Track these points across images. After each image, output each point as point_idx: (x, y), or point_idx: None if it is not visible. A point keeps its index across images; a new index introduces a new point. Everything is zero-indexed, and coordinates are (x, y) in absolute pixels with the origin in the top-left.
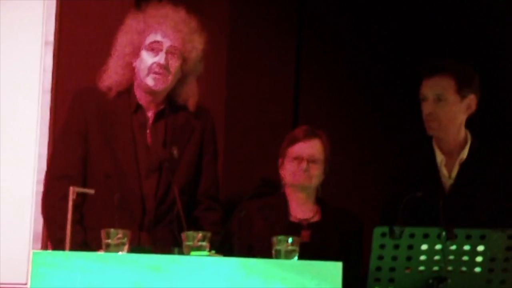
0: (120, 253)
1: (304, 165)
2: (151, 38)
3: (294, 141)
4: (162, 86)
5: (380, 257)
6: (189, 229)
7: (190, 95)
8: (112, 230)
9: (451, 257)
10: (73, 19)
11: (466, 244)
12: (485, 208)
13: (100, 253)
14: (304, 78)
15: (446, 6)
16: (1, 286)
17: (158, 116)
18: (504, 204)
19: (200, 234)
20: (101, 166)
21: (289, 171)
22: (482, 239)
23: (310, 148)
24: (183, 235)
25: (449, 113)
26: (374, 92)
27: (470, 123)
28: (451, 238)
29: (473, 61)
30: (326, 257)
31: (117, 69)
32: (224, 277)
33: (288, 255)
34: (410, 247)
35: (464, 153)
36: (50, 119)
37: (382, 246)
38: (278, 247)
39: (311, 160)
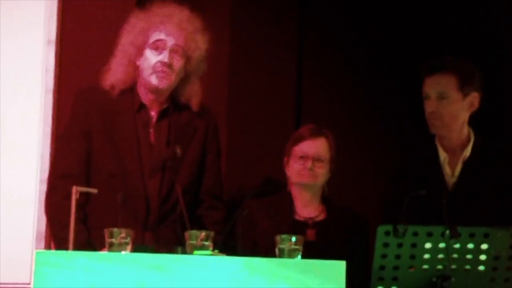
0: (123, 252)
1: (309, 164)
2: (155, 36)
3: (300, 139)
4: (165, 85)
5: (384, 256)
6: (192, 228)
7: (193, 95)
8: (115, 229)
9: (455, 255)
10: (75, 18)
11: (469, 242)
12: (488, 206)
13: (103, 253)
14: (306, 77)
15: (447, 4)
16: (5, 285)
17: (162, 115)
18: (508, 202)
19: (203, 233)
20: (104, 165)
21: (294, 170)
22: (485, 237)
23: (315, 147)
24: (186, 234)
25: (452, 111)
26: (376, 91)
27: (473, 121)
28: (455, 236)
29: (475, 58)
30: (331, 256)
31: (120, 68)
32: (227, 276)
33: (291, 254)
34: (414, 245)
35: (467, 151)
36: (53, 118)
37: (386, 245)
38: (281, 246)
39: (316, 159)
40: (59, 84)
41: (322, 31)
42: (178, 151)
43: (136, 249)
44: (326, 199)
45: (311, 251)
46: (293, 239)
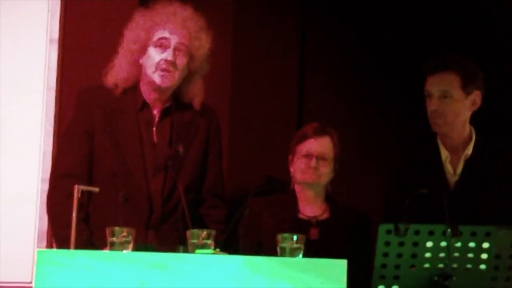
0: (125, 251)
1: (313, 162)
2: (158, 34)
3: (304, 138)
4: (169, 83)
5: (385, 254)
6: (194, 227)
7: (196, 94)
8: (116, 228)
9: (456, 254)
10: (78, 16)
11: (471, 241)
12: (490, 205)
13: (105, 252)
14: (309, 75)
15: (448, 3)
16: (6, 285)
17: (164, 113)
18: (510, 201)
19: (205, 232)
20: (107, 164)
21: (298, 169)
22: (487, 236)
23: (319, 145)
24: (188, 233)
25: (455, 109)
26: (378, 89)
27: (474, 119)
28: (456, 235)
29: (477, 57)
30: (335, 255)
31: (124, 66)
32: (228, 275)
33: (293, 253)
34: (415, 244)
35: (469, 150)
36: (55, 117)
37: (387, 244)
38: (283, 245)
39: (320, 158)
40: (61, 83)
41: (325, 30)
42: (181, 149)
43: (137, 248)
44: (330, 198)
45: (314, 250)
46: (295, 238)
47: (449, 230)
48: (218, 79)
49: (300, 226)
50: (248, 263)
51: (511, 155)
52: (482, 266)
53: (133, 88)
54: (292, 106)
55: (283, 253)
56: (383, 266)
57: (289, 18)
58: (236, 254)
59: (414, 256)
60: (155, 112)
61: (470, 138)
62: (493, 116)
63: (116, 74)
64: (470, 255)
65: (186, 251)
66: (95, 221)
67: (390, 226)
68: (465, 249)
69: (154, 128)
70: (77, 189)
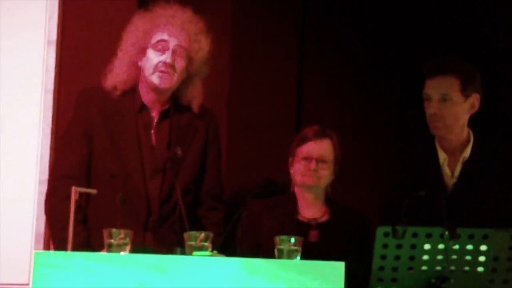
0: (122, 253)
1: (313, 165)
2: (157, 37)
3: (304, 140)
4: (167, 85)
5: (383, 257)
6: (192, 229)
7: (195, 96)
8: (114, 230)
9: (454, 256)
10: (76, 18)
11: (469, 243)
12: (488, 207)
13: (102, 253)
14: (307, 78)
15: (447, 5)
16: (3, 286)
17: (163, 116)
18: (507, 203)
19: (202, 234)
20: (105, 166)
21: (298, 171)
22: (485, 239)
23: (319, 148)
24: (185, 235)
25: (454, 113)
26: (376, 92)
27: (472, 122)
28: (454, 237)
29: (475, 59)
30: (335, 257)
31: (123, 68)
32: (226, 277)
33: (290, 254)
34: (413, 246)
35: (467, 152)
36: (53, 119)
37: (385, 246)
38: (280, 247)
39: (320, 160)
40: (59, 85)
41: (323, 32)
42: (179, 152)
43: (135, 249)
44: (330, 200)
45: (314, 252)
46: (292, 240)
47: (447, 232)
48: (217, 81)
49: (299, 228)
50: (245, 265)
51: (509, 157)
52: (480, 269)
53: (132, 90)
54: (291, 108)
55: (280, 255)
56: (381, 268)
57: (287, 20)
58: (234, 256)
59: (412, 258)
60: (153, 114)
61: (468, 141)
62: (490, 118)
63: (115, 76)
64: (468, 257)
65: (183, 253)
66: (93, 223)
67: (388, 229)
68: (463, 251)
69: (153, 131)
70: (75, 191)
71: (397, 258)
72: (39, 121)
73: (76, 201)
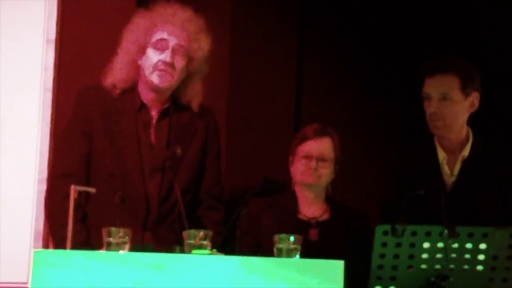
0: (121, 251)
1: (313, 164)
2: (157, 35)
3: (304, 139)
4: (167, 84)
5: (382, 255)
6: (191, 228)
7: (194, 95)
8: (113, 228)
9: (453, 255)
10: (75, 17)
11: (468, 242)
12: (487, 206)
13: (102, 252)
14: (306, 77)
15: (446, 4)
16: (2, 285)
17: (162, 115)
18: (506, 202)
19: (201, 233)
20: (104, 165)
21: (298, 170)
22: (484, 237)
23: (319, 146)
24: (185, 233)
25: (454, 111)
26: (376, 91)
27: (471, 121)
28: (453, 236)
29: (475, 59)
30: (335, 255)
31: (122, 67)
32: (225, 276)
33: (289, 253)
34: (412, 245)
35: (466, 151)
36: (52, 117)
37: (384, 244)
38: (279, 246)
39: (320, 159)
40: (58, 83)
41: (323, 31)
42: (178, 151)
43: (134, 248)
44: (330, 199)
45: (314, 251)
46: (292, 238)
47: (446, 231)
48: (216, 81)
49: (299, 227)
50: (244, 263)
51: (507, 156)
52: (479, 267)
53: (131, 89)
54: (290, 107)
55: (280, 254)
56: (380, 267)
57: (287, 19)
58: (233, 255)
59: (411, 257)
60: (153, 113)
61: (467, 139)
62: (490, 117)
63: (115, 74)
64: (467, 256)
65: (182, 251)
66: (93, 221)
67: (387, 227)
68: (462, 250)
69: (152, 129)
70: (74, 190)
71: (396, 256)
72: (38, 120)
73: (76, 200)
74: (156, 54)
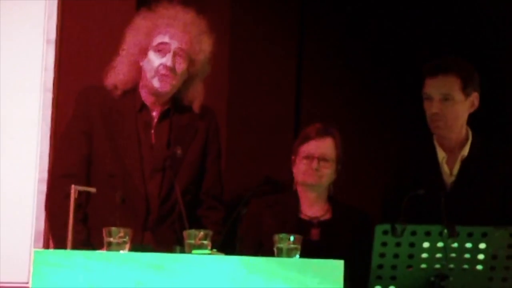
0: (121, 251)
1: (315, 164)
2: (159, 39)
3: (306, 139)
4: (167, 88)
5: (382, 255)
6: (192, 228)
7: (196, 97)
8: (113, 228)
9: (453, 254)
10: (75, 17)
11: (467, 241)
12: (487, 205)
13: (102, 252)
14: (306, 77)
15: (446, 4)
16: (3, 285)
17: (163, 116)
18: (506, 201)
19: (201, 233)
20: (105, 165)
21: (300, 170)
22: (483, 237)
23: (321, 146)
24: (185, 233)
25: (455, 112)
26: (376, 91)
27: (470, 120)
28: (453, 235)
29: (475, 59)
30: (336, 255)
31: (124, 68)
32: (225, 276)
33: (290, 253)
34: (412, 244)
35: (466, 150)
36: (52, 118)
37: (384, 244)
38: (280, 245)
39: (322, 159)
40: (58, 84)
41: (322, 31)
42: (178, 151)
43: (134, 248)
44: (332, 198)
45: (315, 250)
46: (292, 238)
47: (445, 230)
48: (216, 81)
49: (301, 226)
50: (244, 263)
51: (507, 155)
52: (479, 267)
53: (132, 90)
54: (290, 107)
55: (280, 254)
56: (380, 266)
57: (287, 19)
58: (234, 254)
59: (411, 256)
60: (154, 114)
61: (467, 139)
62: (489, 117)
63: (116, 75)
64: (467, 255)
65: (182, 251)
66: (93, 222)
67: (387, 227)
68: (461, 249)
69: (153, 130)
70: (74, 190)
71: (396, 256)
72: (38, 120)
73: (76, 200)
74: (158, 58)
